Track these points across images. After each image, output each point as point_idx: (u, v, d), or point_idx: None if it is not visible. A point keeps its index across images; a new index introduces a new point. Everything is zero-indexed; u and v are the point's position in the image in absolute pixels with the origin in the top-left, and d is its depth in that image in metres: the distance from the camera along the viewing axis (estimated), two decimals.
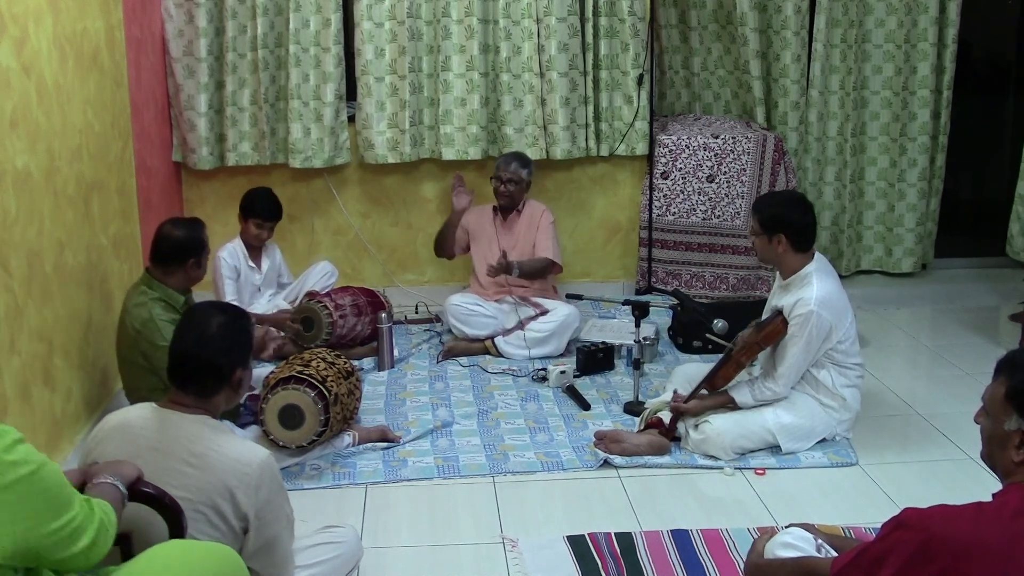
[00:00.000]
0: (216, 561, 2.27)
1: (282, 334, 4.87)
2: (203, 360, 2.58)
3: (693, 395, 4.02)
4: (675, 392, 4.12)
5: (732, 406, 3.96)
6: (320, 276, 5.28)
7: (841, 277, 5.18)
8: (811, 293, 3.82)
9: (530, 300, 5.18)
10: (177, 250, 3.97)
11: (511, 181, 5.20)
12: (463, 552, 3.32)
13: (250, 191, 5.17)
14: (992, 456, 2.19)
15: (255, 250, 5.15)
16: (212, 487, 2.48)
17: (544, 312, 5.10)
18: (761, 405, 3.94)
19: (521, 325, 5.06)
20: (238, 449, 2.54)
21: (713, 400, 3.99)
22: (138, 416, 2.61)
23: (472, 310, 5.13)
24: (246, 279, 5.06)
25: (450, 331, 5.24)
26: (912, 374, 5.02)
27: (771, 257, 4.00)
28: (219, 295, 4.91)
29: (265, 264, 5.20)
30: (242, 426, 3.97)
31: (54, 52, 3.86)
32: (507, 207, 5.28)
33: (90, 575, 2.27)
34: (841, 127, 6.20)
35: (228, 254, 5.02)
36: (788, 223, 3.90)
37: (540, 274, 5.22)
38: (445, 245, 5.44)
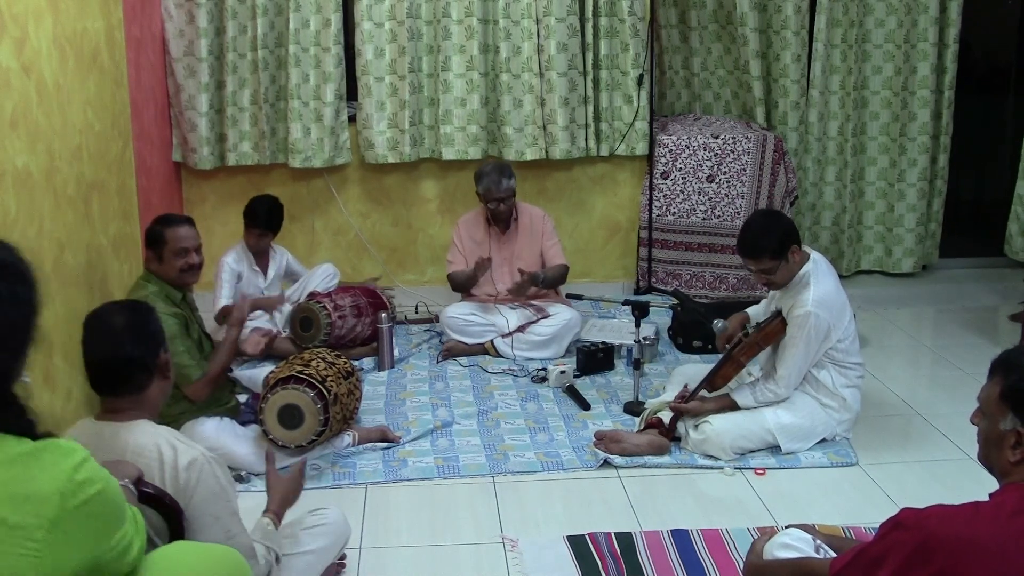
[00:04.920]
0: (221, 564, 2.27)
1: (269, 320, 4.84)
2: (123, 358, 2.50)
3: (694, 395, 4.03)
4: (685, 386, 4.12)
5: (732, 408, 3.96)
6: (322, 278, 5.27)
7: (841, 277, 5.18)
8: (808, 294, 3.82)
9: (533, 305, 5.17)
10: (147, 241, 3.99)
11: (508, 198, 5.06)
12: (463, 552, 3.33)
13: (254, 199, 5.09)
14: (989, 457, 2.19)
15: (261, 255, 5.13)
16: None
17: (545, 315, 5.09)
18: (762, 406, 3.95)
19: (521, 328, 5.06)
20: (171, 453, 2.43)
21: (713, 403, 3.99)
22: (80, 434, 2.49)
23: (469, 320, 5.10)
24: (249, 283, 5.02)
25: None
26: (912, 374, 5.01)
27: (791, 273, 3.89)
28: (216, 299, 4.88)
29: (271, 271, 5.15)
30: (243, 423, 3.98)
31: (54, 52, 3.86)
32: (506, 221, 5.16)
33: None
34: (842, 127, 6.20)
35: (233, 259, 4.98)
36: (789, 229, 3.90)
37: (562, 280, 5.16)
38: (467, 287, 5.22)
